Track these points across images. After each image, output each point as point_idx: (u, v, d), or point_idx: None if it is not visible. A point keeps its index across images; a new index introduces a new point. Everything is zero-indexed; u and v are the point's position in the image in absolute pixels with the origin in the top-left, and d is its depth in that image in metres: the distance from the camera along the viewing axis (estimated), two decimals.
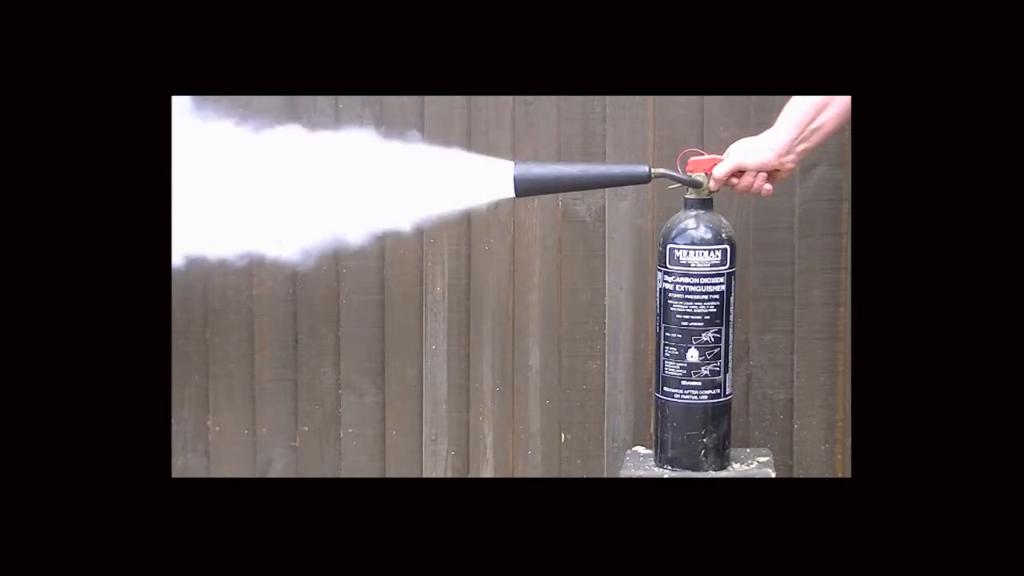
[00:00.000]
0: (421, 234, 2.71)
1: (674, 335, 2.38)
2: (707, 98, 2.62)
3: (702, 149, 2.46)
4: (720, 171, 2.36)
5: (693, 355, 2.37)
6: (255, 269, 2.74)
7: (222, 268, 2.73)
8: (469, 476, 2.76)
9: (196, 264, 2.74)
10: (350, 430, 2.77)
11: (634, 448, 2.62)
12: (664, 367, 2.40)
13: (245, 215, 2.39)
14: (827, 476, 2.68)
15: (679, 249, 2.37)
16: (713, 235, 2.37)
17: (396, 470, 2.76)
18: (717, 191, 2.39)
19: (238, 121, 2.40)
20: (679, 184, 2.40)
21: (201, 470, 2.79)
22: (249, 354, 2.77)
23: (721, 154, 2.38)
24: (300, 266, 2.54)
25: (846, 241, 2.62)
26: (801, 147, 2.34)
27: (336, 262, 2.73)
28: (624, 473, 2.45)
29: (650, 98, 2.64)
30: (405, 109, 2.66)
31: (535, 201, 2.67)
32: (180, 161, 2.19)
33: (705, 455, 2.40)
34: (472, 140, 2.63)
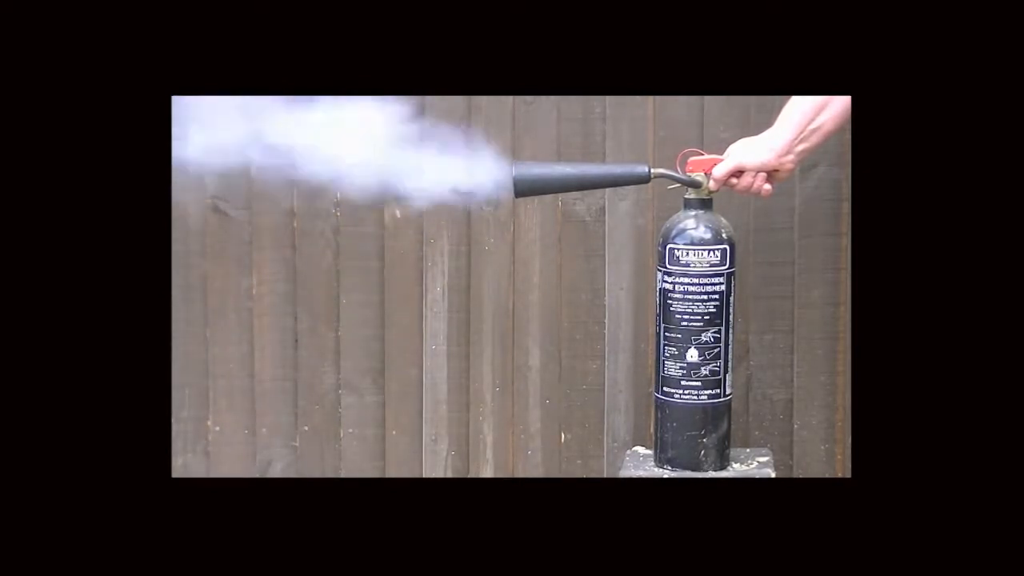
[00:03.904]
0: (421, 234, 2.71)
1: (674, 335, 2.38)
2: (707, 98, 2.62)
3: (702, 149, 2.46)
4: (720, 171, 2.36)
5: (693, 355, 2.37)
6: (256, 268, 2.75)
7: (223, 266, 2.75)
8: (469, 476, 2.76)
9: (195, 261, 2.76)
10: (350, 430, 2.77)
11: (634, 448, 2.62)
12: (664, 367, 2.40)
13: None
14: (827, 476, 2.68)
15: (679, 249, 2.37)
16: (713, 235, 2.37)
17: (396, 470, 2.77)
18: (717, 191, 2.39)
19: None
20: (679, 184, 2.40)
21: (201, 470, 2.79)
22: (249, 354, 2.77)
23: (721, 154, 2.38)
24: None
25: (846, 241, 2.62)
26: (801, 147, 2.34)
27: (336, 261, 2.73)
28: (624, 473, 2.45)
29: (650, 98, 2.64)
30: None
31: (535, 201, 2.67)
32: None
33: (705, 455, 2.40)
34: (471, 140, 2.63)
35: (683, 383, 2.38)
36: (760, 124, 2.43)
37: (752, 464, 2.48)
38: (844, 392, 2.66)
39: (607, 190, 2.65)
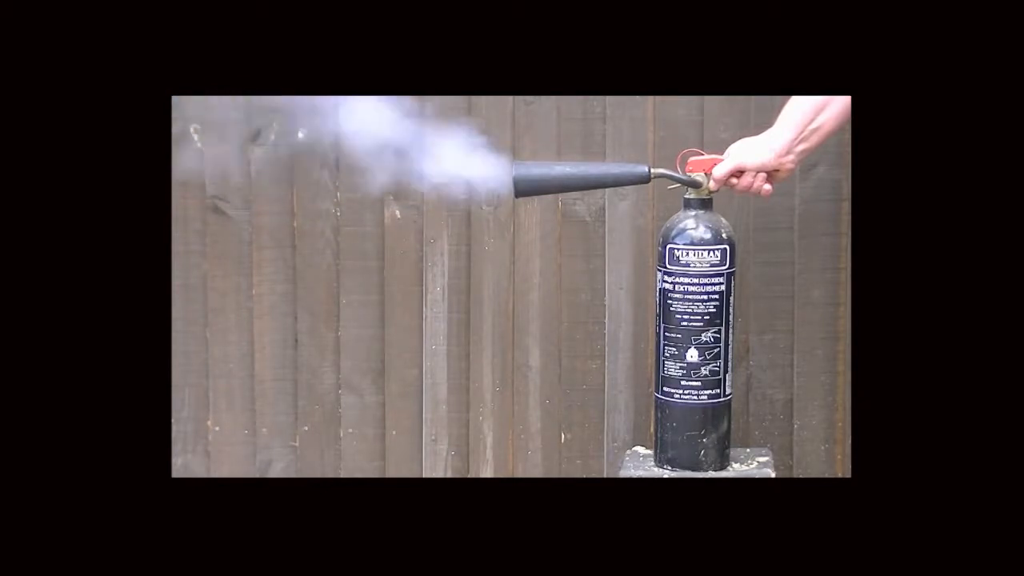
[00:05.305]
0: (421, 234, 2.71)
1: (674, 335, 2.38)
2: (707, 98, 2.62)
3: (702, 149, 2.46)
4: (720, 171, 2.36)
5: (693, 355, 2.37)
6: (256, 268, 2.75)
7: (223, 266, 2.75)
8: (469, 476, 2.76)
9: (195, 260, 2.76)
10: (350, 430, 2.77)
11: (634, 448, 2.62)
12: (664, 367, 2.40)
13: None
14: (827, 476, 2.68)
15: (679, 249, 2.37)
16: (713, 235, 2.37)
17: (396, 470, 2.76)
18: (717, 191, 2.39)
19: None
20: (679, 184, 2.40)
21: (201, 470, 2.79)
22: (249, 354, 2.77)
23: (721, 154, 2.38)
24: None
25: (846, 241, 2.62)
26: (801, 147, 2.34)
27: (336, 261, 2.73)
28: (624, 473, 2.45)
29: (650, 98, 2.64)
30: None
31: (535, 201, 2.67)
32: None
33: (705, 455, 2.40)
34: (472, 140, 2.63)
35: (683, 383, 2.38)
36: (760, 124, 2.43)
37: (752, 464, 2.48)
38: (844, 392, 2.66)
39: (607, 190, 2.65)
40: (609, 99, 2.65)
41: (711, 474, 2.40)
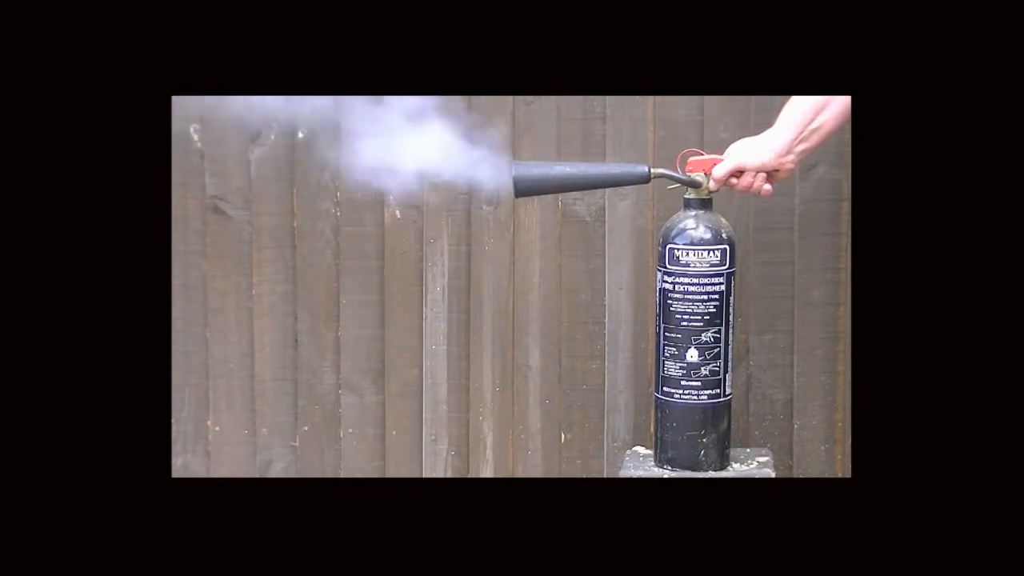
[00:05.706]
0: (421, 234, 2.71)
1: (674, 335, 2.38)
2: (707, 98, 2.62)
3: (702, 149, 2.46)
4: (720, 171, 2.36)
5: (693, 355, 2.37)
6: (256, 268, 2.75)
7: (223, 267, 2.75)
8: (469, 476, 2.76)
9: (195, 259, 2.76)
10: (350, 430, 2.77)
11: (634, 448, 2.62)
12: (664, 367, 2.40)
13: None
14: (827, 476, 2.68)
15: (679, 249, 2.37)
16: (713, 235, 2.37)
17: (396, 470, 2.76)
18: (717, 191, 2.39)
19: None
20: (679, 184, 2.40)
21: (201, 470, 2.79)
22: (249, 354, 2.77)
23: (721, 154, 2.38)
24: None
25: (846, 241, 2.62)
26: (801, 147, 2.34)
27: (336, 261, 2.73)
28: (624, 473, 2.45)
29: (650, 98, 2.64)
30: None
31: (535, 201, 2.67)
32: None
33: (705, 455, 2.40)
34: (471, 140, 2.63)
35: (683, 383, 2.38)
36: (760, 124, 2.43)
37: (752, 464, 2.48)
38: (844, 392, 2.66)
39: (607, 190, 2.65)
40: (609, 99, 2.65)
41: (711, 474, 2.40)
